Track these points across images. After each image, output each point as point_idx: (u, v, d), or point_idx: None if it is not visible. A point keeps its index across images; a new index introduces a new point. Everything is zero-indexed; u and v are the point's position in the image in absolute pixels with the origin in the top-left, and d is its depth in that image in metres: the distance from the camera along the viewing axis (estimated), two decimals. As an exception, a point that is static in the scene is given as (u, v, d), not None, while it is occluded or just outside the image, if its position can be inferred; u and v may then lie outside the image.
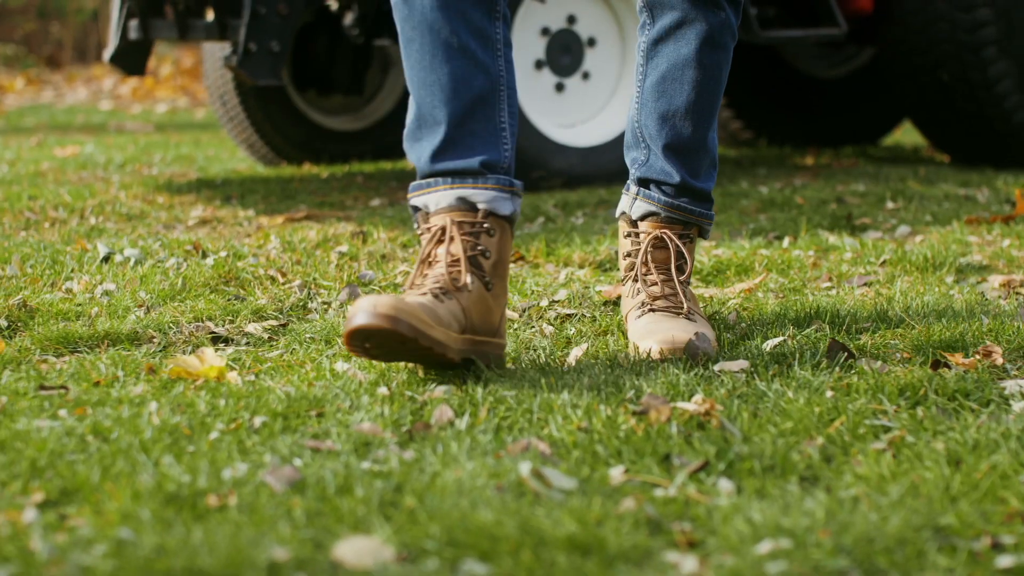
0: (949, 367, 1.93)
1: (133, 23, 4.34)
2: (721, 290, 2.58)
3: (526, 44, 4.01)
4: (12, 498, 1.42)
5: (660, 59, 2.13)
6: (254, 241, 3.21)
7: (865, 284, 2.64)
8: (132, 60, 4.45)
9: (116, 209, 3.79)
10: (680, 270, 2.14)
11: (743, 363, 1.96)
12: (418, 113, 1.99)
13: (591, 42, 4.14)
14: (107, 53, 4.48)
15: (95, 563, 1.22)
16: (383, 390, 1.83)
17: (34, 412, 1.76)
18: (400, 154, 5.00)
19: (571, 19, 4.10)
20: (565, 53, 4.10)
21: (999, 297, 2.50)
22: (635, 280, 2.15)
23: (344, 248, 3.06)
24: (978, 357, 1.99)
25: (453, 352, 1.83)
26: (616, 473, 1.49)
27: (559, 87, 4.10)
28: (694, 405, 1.70)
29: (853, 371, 1.91)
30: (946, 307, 2.34)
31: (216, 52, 4.74)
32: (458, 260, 1.92)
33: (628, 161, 2.20)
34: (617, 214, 2.23)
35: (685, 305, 2.09)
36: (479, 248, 1.94)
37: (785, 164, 4.89)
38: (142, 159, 5.35)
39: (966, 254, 2.93)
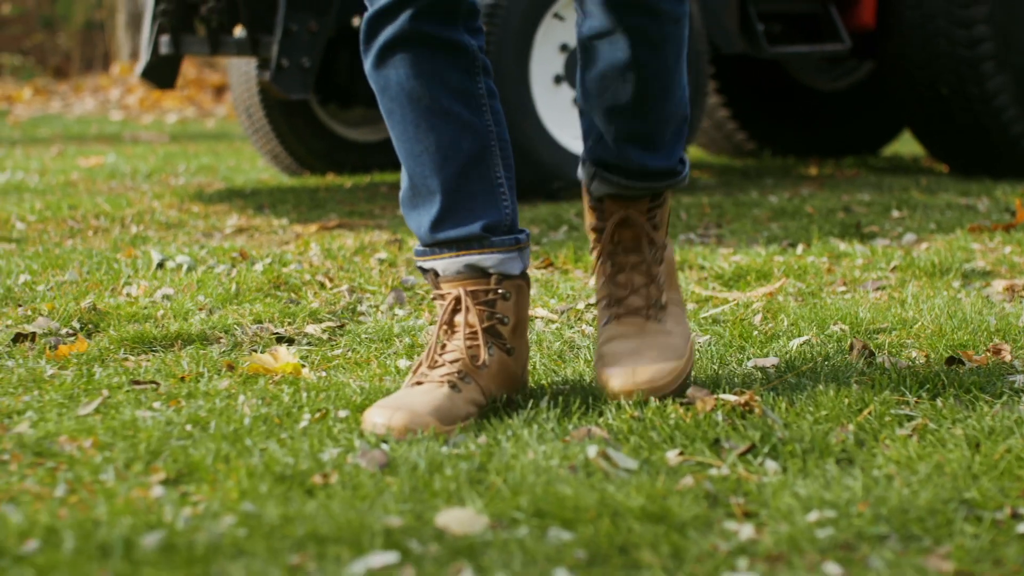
0: (963, 363, 2.11)
1: (164, 39, 4.50)
2: (744, 293, 2.76)
3: (546, 60, 4.19)
4: (138, 477, 1.60)
5: (598, 57, 1.93)
6: (295, 248, 3.38)
7: (878, 288, 2.83)
8: (163, 74, 4.61)
9: (154, 218, 3.96)
10: (651, 244, 2.01)
11: (774, 359, 2.14)
12: (411, 183, 1.95)
13: (607, 58, 4.31)
14: (139, 68, 4.64)
15: (228, 531, 1.39)
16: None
17: (133, 404, 1.93)
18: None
19: (588, 36, 4.27)
20: (582, 68, 4.27)
21: (1003, 300, 2.68)
22: (603, 259, 2.02)
23: (383, 255, 3.24)
24: (988, 354, 2.17)
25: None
26: (672, 455, 1.67)
27: (576, 101, 4.28)
28: (735, 396, 1.88)
29: (874, 367, 2.09)
30: (955, 309, 2.51)
31: (242, 67, 4.91)
32: (476, 332, 1.89)
33: (582, 128, 2.03)
34: (580, 178, 2.06)
35: (652, 300, 1.99)
36: (496, 317, 1.91)
37: (790, 174, 5.08)
38: (166, 169, 5.51)
39: (970, 260, 3.11)
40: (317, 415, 1.85)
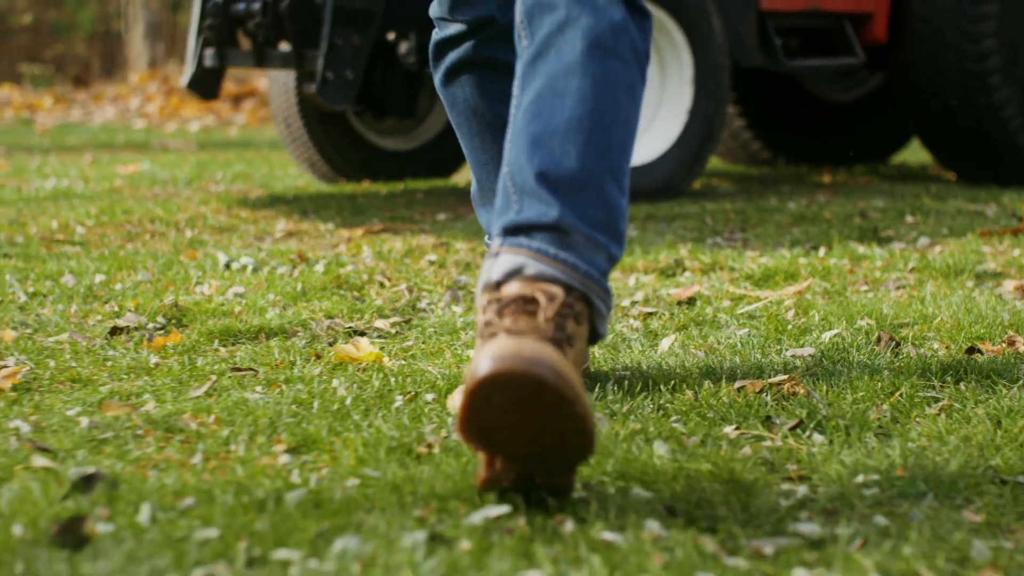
0: (981, 353, 2.33)
1: (209, 52, 4.73)
2: (775, 292, 2.98)
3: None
4: (263, 448, 1.81)
5: (537, 76, 1.69)
6: (347, 251, 3.61)
7: (899, 287, 3.05)
8: (207, 85, 4.83)
9: (207, 223, 4.18)
10: (559, 328, 1.58)
11: (810, 349, 2.36)
12: (479, 185, 2.15)
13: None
14: (184, 79, 4.87)
15: (354, 491, 1.61)
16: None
17: (239, 388, 2.15)
18: (449, 172, 5.41)
19: (616, 50, 4.50)
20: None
21: (1015, 298, 2.90)
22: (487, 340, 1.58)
23: (432, 257, 3.46)
24: (1004, 345, 2.39)
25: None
26: (729, 430, 1.89)
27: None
28: (780, 378, 2.10)
29: (901, 356, 2.30)
30: (971, 306, 2.74)
31: (281, 79, 5.14)
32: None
33: (485, 225, 1.94)
34: (478, 288, 1.68)
35: (549, 333, 1.57)
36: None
37: (805, 182, 5.31)
38: (204, 176, 5.73)
39: (982, 262, 3.33)
40: (407, 397, 2.07)
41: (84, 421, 1.93)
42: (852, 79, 5.79)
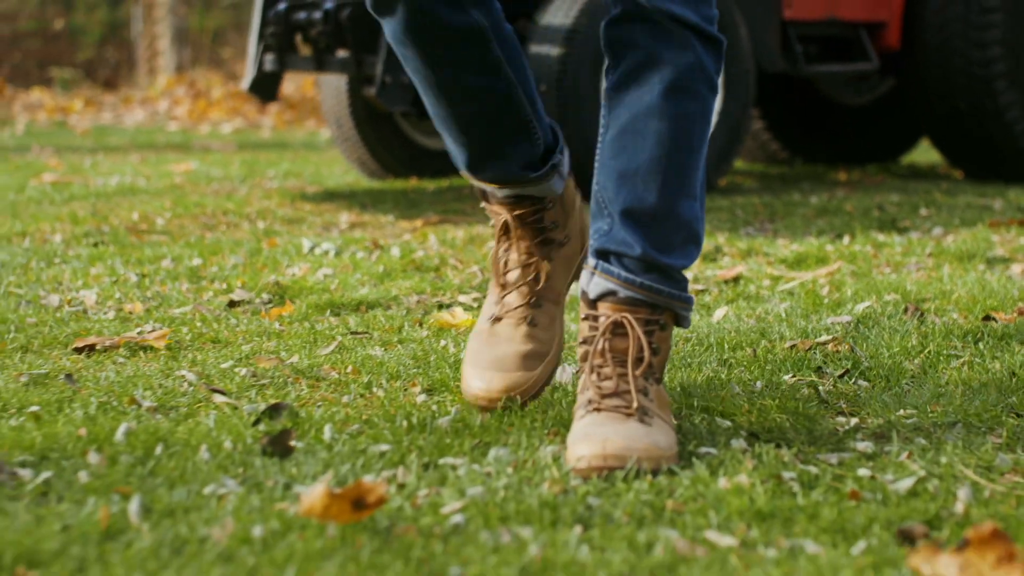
0: (995, 320, 2.69)
1: (269, 57, 5.09)
2: (809, 272, 3.34)
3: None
4: (401, 389, 2.17)
5: (621, 109, 1.87)
6: (414, 238, 3.96)
7: (919, 269, 3.41)
8: (266, 88, 5.20)
9: (276, 215, 4.54)
10: (638, 363, 1.84)
11: (847, 317, 2.72)
12: (445, 132, 2.00)
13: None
14: (245, 82, 5.22)
15: (491, 420, 1.97)
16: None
17: (360, 347, 2.50)
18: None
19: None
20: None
21: (1022, 277, 3.26)
22: (589, 372, 1.85)
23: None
24: (1015, 314, 2.75)
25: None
26: (787, 378, 2.25)
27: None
28: (825, 339, 2.46)
29: (926, 323, 2.66)
30: (984, 283, 3.09)
31: (333, 82, 5.50)
32: (532, 257, 2.05)
33: (591, 231, 1.93)
34: (579, 292, 1.97)
35: (635, 403, 1.80)
36: (544, 227, 2.04)
37: (823, 179, 5.67)
38: (255, 174, 6.09)
39: (991, 249, 3.69)
40: (508, 353, 2.42)
41: (242, 371, 2.29)
42: (865, 83, 6.16)
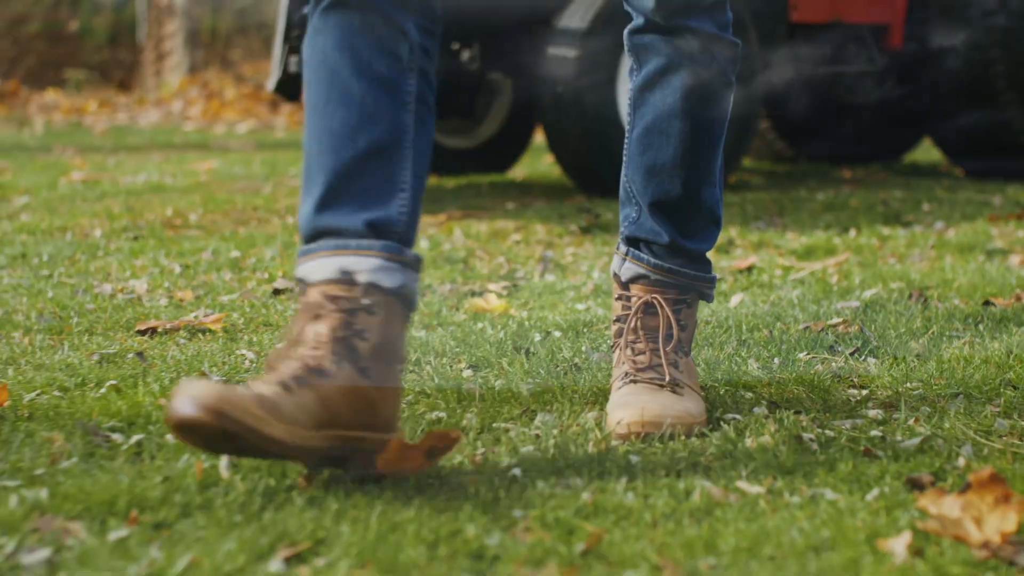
0: (994, 305, 2.88)
1: (293, 59, 5.27)
2: (818, 262, 3.53)
3: (628, 79, 4.97)
4: (448, 364, 2.36)
5: (646, 108, 2.00)
6: (440, 232, 4.15)
7: (922, 260, 3.59)
8: (291, 89, 5.38)
9: (303, 210, 4.72)
10: (668, 339, 2.02)
11: (855, 303, 2.90)
12: (306, 167, 1.75)
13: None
14: (270, 84, 5.41)
15: (533, 392, 2.16)
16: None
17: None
18: (505, 168, 5.96)
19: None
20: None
21: (1020, 268, 3.45)
22: (623, 347, 2.04)
23: (516, 237, 4.00)
24: (1013, 300, 2.94)
25: (297, 451, 1.59)
26: (802, 355, 2.43)
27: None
28: (836, 321, 2.64)
29: (929, 307, 2.85)
30: (984, 273, 3.28)
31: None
32: (324, 342, 1.66)
33: (621, 218, 2.08)
34: (611, 273, 2.12)
35: (668, 376, 1.99)
36: (354, 328, 1.67)
37: (828, 177, 5.86)
38: (277, 172, 6.28)
39: (991, 241, 3.88)
40: (544, 335, 2.61)
41: (298, 349, 2.47)
42: (869, 84, 6.34)
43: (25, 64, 12.15)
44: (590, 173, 5.00)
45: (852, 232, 4.06)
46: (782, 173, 6.05)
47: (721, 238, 3.93)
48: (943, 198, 4.87)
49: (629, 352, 2.02)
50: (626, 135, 2.06)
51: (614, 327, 2.07)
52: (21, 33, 12.60)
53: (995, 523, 1.47)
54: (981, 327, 2.66)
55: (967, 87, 5.47)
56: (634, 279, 2.05)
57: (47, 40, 12.68)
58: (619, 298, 2.07)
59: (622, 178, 2.07)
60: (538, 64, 4.94)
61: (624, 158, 2.06)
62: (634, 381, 1.99)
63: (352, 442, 1.65)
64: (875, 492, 1.64)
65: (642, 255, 2.05)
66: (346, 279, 1.68)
